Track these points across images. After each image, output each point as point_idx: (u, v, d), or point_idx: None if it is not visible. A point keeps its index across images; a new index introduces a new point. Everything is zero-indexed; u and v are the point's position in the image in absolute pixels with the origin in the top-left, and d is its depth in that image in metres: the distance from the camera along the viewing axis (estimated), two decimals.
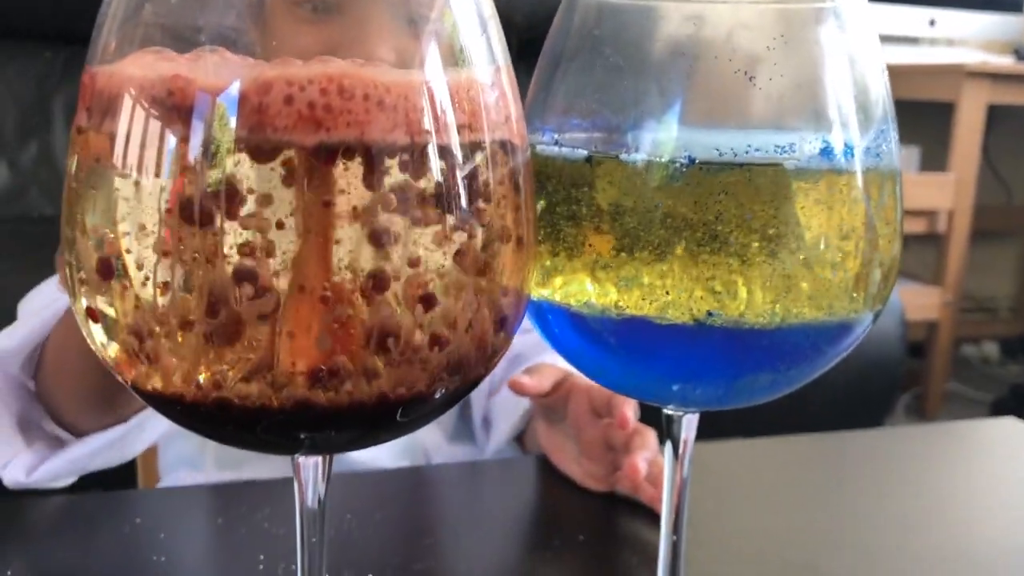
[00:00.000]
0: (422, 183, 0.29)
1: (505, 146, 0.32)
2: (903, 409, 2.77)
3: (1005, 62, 2.84)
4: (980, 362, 3.31)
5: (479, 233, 0.30)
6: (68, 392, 0.69)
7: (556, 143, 0.36)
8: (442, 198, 0.29)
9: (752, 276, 0.34)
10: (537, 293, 0.37)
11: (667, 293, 0.34)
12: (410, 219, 0.28)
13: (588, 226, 0.35)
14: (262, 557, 0.59)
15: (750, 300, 0.34)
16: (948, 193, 2.59)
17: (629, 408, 0.68)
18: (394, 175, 0.28)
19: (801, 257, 0.34)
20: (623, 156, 0.34)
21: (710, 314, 0.34)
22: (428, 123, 0.29)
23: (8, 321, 1.46)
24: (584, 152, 0.35)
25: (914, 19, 2.95)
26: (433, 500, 0.71)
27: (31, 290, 0.84)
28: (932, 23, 2.97)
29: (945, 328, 2.75)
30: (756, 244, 0.34)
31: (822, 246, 0.34)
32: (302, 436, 0.31)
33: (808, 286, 0.34)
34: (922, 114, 2.73)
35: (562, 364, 0.39)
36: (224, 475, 0.83)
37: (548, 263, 0.36)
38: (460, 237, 0.30)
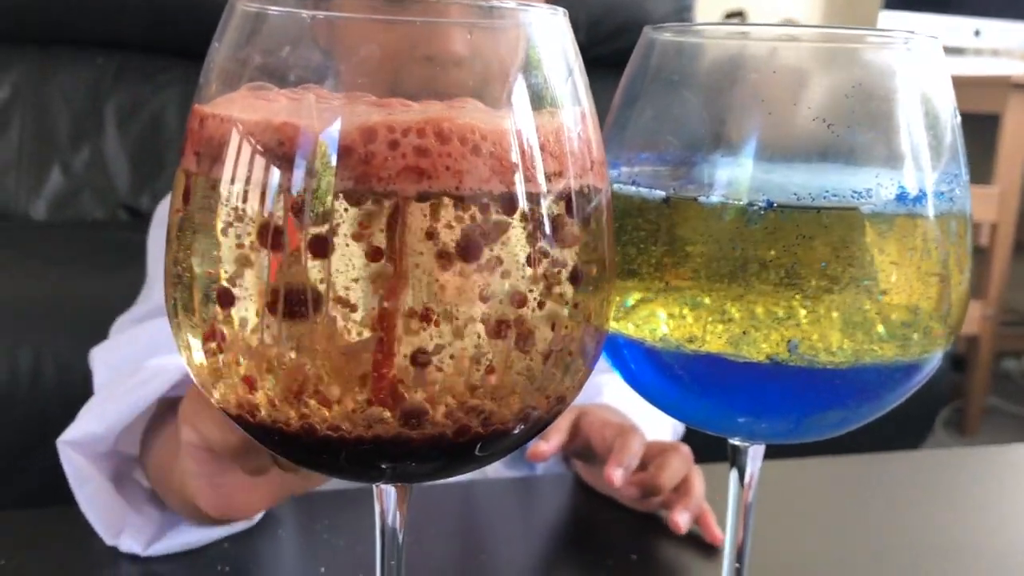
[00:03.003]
0: (514, 227, 0.30)
1: (590, 188, 0.33)
2: (941, 423, 2.74)
3: None
4: (1020, 376, 3.27)
5: (565, 273, 0.31)
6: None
7: (634, 182, 0.37)
8: (531, 242, 0.30)
9: (827, 317, 0.34)
10: (612, 327, 0.38)
11: (744, 332, 0.35)
12: (502, 263, 0.29)
13: (664, 264, 0.36)
14: (323, 570, 0.60)
15: (825, 340, 0.35)
16: (992, 206, 2.57)
17: (615, 463, 0.68)
18: (488, 219, 0.29)
19: (876, 299, 0.35)
20: (701, 198, 0.35)
21: (789, 350, 0.35)
22: (520, 169, 0.30)
23: (67, 326, 1.47)
24: (662, 193, 0.36)
25: (959, 29, 2.93)
26: (486, 515, 0.72)
27: (106, 341, 0.83)
28: (977, 33, 2.95)
29: (986, 342, 2.73)
30: (831, 286, 0.34)
31: (897, 289, 0.35)
32: (384, 467, 0.33)
33: (882, 327, 0.35)
34: (966, 126, 2.69)
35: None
36: None
37: (624, 298, 0.37)
38: (548, 278, 0.31)
